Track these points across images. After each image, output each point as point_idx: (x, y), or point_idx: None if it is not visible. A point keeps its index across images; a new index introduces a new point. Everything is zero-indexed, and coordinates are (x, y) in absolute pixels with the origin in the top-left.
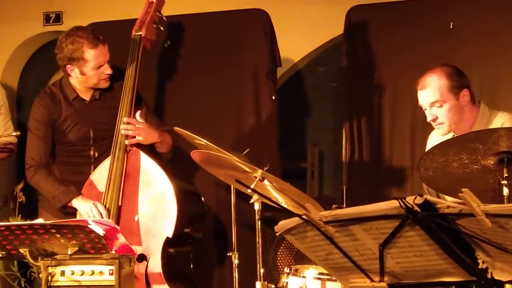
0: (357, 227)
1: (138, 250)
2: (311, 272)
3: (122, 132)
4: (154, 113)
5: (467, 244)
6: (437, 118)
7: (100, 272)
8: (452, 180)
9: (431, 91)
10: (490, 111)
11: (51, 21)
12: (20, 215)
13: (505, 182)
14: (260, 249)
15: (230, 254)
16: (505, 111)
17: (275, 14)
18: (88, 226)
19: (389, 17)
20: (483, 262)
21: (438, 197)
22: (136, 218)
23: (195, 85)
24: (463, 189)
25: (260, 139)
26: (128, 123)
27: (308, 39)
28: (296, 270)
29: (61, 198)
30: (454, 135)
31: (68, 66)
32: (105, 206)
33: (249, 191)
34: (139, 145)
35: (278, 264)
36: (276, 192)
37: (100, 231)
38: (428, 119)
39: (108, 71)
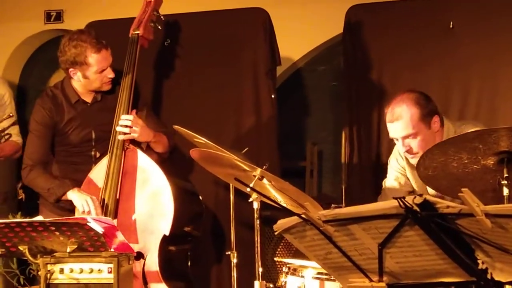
0: (356, 227)
1: (135, 248)
2: (309, 271)
3: (118, 128)
4: (153, 112)
5: (466, 244)
6: (411, 148)
7: (99, 270)
8: (452, 180)
9: (403, 124)
10: (454, 126)
11: (52, 19)
12: (20, 213)
13: (505, 182)
14: (259, 248)
15: (229, 253)
16: (469, 122)
17: (274, 13)
18: (87, 224)
19: (388, 16)
20: (482, 263)
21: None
22: (133, 216)
23: (194, 84)
24: (462, 189)
25: (259, 137)
26: (126, 120)
27: (307, 38)
28: (295, 270)
29: (56, 191)
30: None
31: (70, 69)
32: (103, 200)
33: (248, 189)
34: (137, 143)
35: (277, 263)
36: (275, 191)
37: (99, 229)
38: (401, 151)
39: (111, 75)
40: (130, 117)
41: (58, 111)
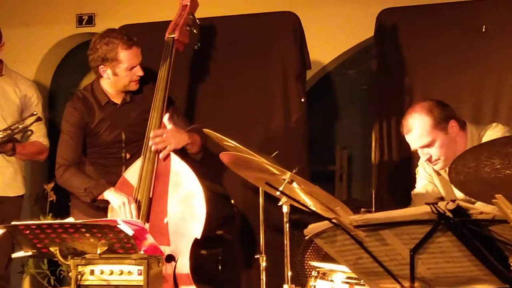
0: (388, 232)
1: (166, 250)
2: (339, 276)
3: (152, 148)
4: (184, 114)
5: (500, 251)
6: (431, 156)
7: (129, 272)
8: (484, 185)
9: (418, 135)
10: (478, 130)
11: (83, 23)
12: (50, 214)
13: None
14: (288, 252)
15: (258, 256)
16: (492, 124)
17: (305, 17)
18: (118, 226)
19: (420, 20)
20: None
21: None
22: (165, 219)
23: (225, 87)
24: (496, 195)
25: (289, 141)
26: (155, 136)
27: (337, 41)
28: (324, 274)
29: (92, 190)
30: None
31: (101, 66)
32: (136, 200)
33: (278, 193)
34: None
35: (306, 267)
36: (304, 195)
37: (129, 231)
38: (423, 160)
39: (140, 73)
40: (159, 132)
41: (89, 113)
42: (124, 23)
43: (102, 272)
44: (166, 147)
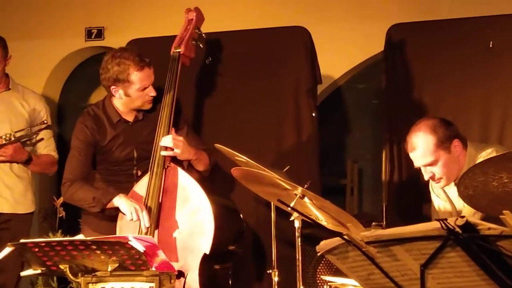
0: (399, 248)
1: (175, 266)
2: None
3: (161, 143)
4: (194, 130)
5: (508, 266)
6: (434, 175)
7: None
8: (492, 199)
9: (421, 154)
10: (476, 150)
11: (93, 37)
12: (60, 231)
13: None
14: (300, 267)
15: (270, 271)
16: (488, 150)
17: (315, 31)
18: (129, 242)
19: (429, 35)
20: None
21: None
22: (173, 234)
23: (235, 102)
24: (504, 211)
25: (300, 156)
26: (166, 140)
27: (348, 56)
28: None
29: (101, 198)
30: None
31: (112, 87)
32: (147, 207)
33: (289, 208)
34: (178, 162)
35: (318, 281)
36: (316, 210)
37: (140, 247)
38: (426, 178)
39: (153, 93)
40: (170, 136)
41: (100, 130)
42: (133, 37)
43: None
44: (174, 150)
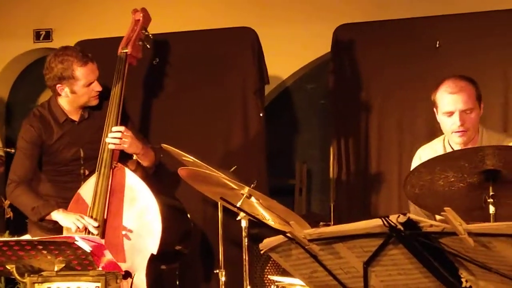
0: (341, 245)
1: (122, 267)
2: None
3: (108, 139)
4: (140, 130)
5: (450, 263)
6: (463, 124)
7: None
8: (438, 198)
9: (466, 97)
10: (498, 134)
11: (41, 38)
12: (7, 231)
13: (491, 200)
14: (247, 266)
15: (217, 271)
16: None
17: (262, 32)
18: (75, 242)
19: (376, 35)
20: (466, 281)
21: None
22: (120, 235)
23: (182, 103)
24: (445, 208)
25: (248, 156)
26: (116, 131)
27: (296, 57)
28: None
29: (40, 210)
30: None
31: (58, 85)
32: (91, 217)
33: (236, 208)
34: (124, 161)
35: (265, 281)
36: (263, 209)
37: (87, 247)
38: (456, 124)
39: (98, 88)
40: (121, 128)
41: (46, 130)
42: (81, 38)
43: None
44: (121, 144)
